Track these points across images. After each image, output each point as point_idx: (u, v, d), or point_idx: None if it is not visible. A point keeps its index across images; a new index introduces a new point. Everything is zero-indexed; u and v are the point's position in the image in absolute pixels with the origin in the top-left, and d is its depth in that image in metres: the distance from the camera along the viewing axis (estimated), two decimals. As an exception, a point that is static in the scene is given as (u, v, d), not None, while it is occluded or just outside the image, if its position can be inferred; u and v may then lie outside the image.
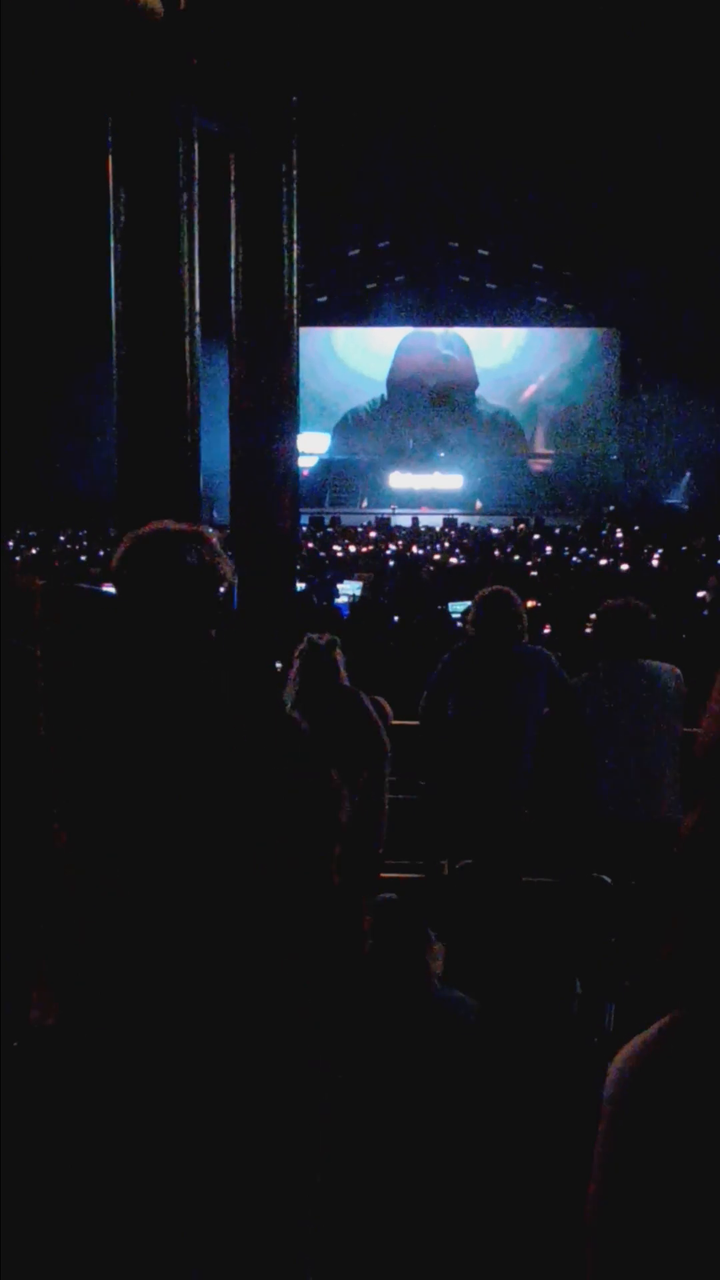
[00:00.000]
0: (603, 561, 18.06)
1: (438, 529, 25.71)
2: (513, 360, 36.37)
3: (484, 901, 5.01)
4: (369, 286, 34.62)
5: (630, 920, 4.62)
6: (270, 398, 10.25)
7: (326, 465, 35.49)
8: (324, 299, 33.17)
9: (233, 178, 10.15)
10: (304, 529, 20.63)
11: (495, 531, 24.84)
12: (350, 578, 14.34)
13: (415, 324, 35.85)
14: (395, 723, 5.80)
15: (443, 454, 35.69)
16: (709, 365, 28.89)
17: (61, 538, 22.66)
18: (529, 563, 17.55)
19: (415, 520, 26.44)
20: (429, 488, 34.71)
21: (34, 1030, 2.04)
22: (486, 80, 22.64)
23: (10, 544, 19.32)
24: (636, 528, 25.26)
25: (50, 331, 25.50)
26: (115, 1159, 1.89)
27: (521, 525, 25.97)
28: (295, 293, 10.36)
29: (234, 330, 10.34)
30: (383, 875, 4.96)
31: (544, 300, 34.72)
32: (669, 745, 4.97)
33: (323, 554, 19.00)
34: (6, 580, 2.30)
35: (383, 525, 26.53)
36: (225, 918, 1.90)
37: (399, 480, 35.11)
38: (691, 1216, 0.94)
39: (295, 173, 10.20)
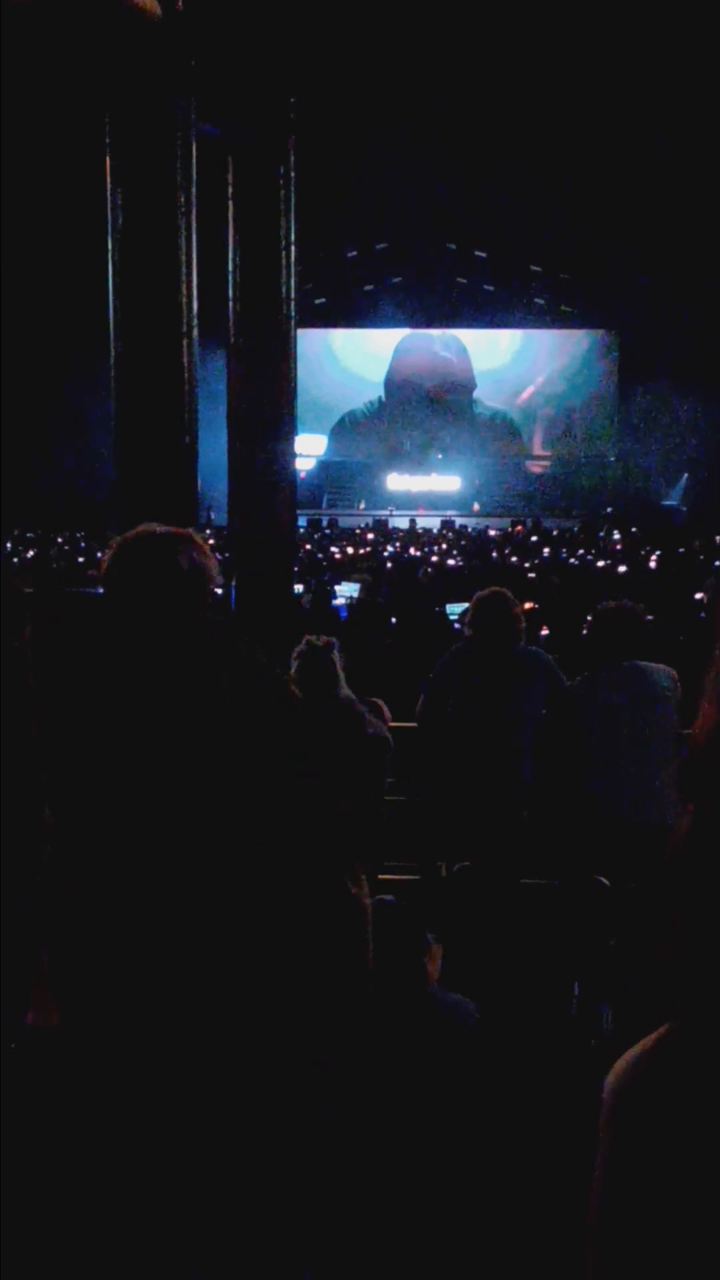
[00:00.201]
0: (600, 563, 18.05)
1: (435, 530, 25.70)
2: (511, 362, 36.38)
3: (482, 903, 5.01)
4: (367, 288, 34.61)
5: (628, 922, 4.62)
6: (268, 399, 10.25)
7: (324, 467, 35.48)
8: (322, 300, 33.17)
9: (231, 179, 10.16)
10: (301, 531, 20.62)
11: (493, 533, 24.84)
12: (348, 579, 14.34)
13: (413, 325, 35.84)
14: (393, 725, 5.80)
15: (440, 455, 35.68)
16: (706, 367, 28.90)
17: (59, 540, 22.64)
18: (527, 564, 17.55)
19: (413, 522, 26.44)
20: (426, 489, 34.70)
21: (34, 1030, 2.04)
22: (485, 82, 22.65)
23: (8, 546, 19.31)
24: (634, 529, 25.27)
25: (48, 333, 25.49)
26: (115, 1159, 1.89)
27: (519, 527, 25.97)
28: (293, 294, 10.37)
29: (232, 332, 10.34)
30: (381, 877, 4.95)
31: (541, 302, 34.72)
32: (666, 747, 4.97)
33: (320, 556, 18.99)
34: (6, 581, 2.31)
35: (380, 527, 26.52)
36: (225, 918, 1.89)
37: (396, 482, 35.10)
38: (690, 1227, 0.94)
39: (293, 174, 10.20)
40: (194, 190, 8.22)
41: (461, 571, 16.02)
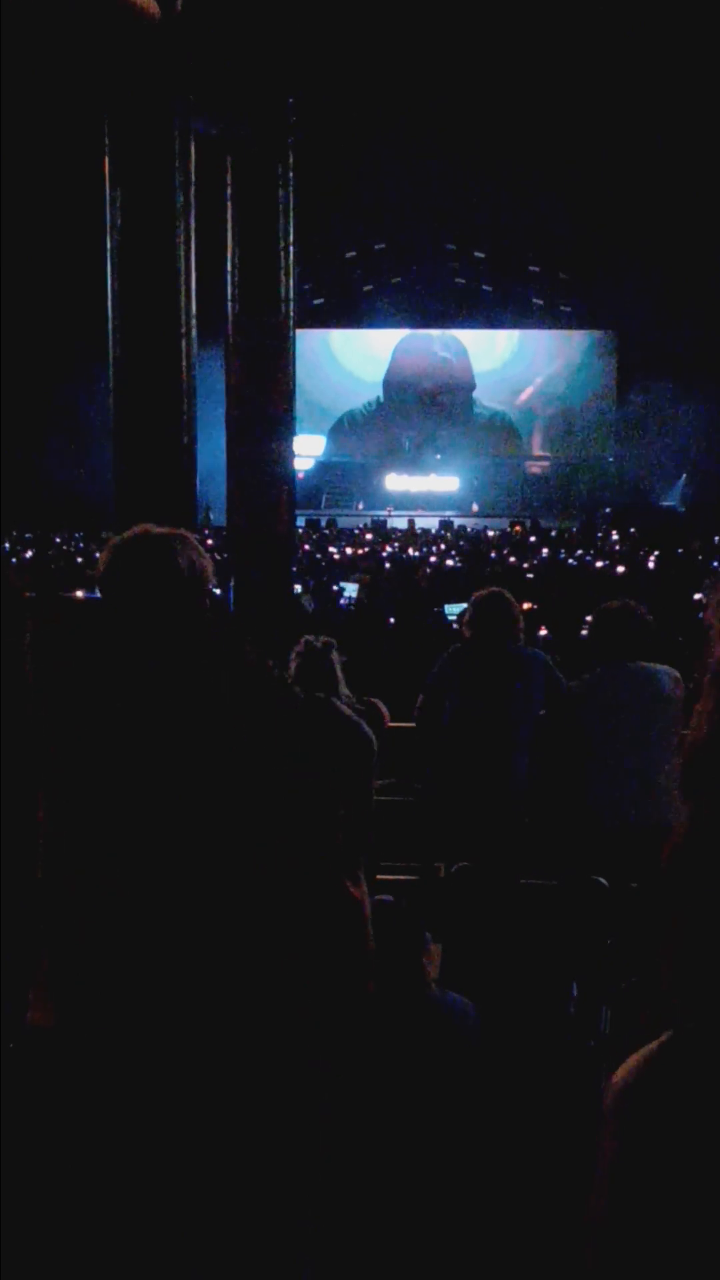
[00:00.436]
0: (599, 564, 18.05)
1: (434, 531, 25.70)
2: (509, 363, 36.35)
3: (480, 904, 5.01)
4: (366, 289, 34.60)
5: (628, 923, 4.62)
6: (267, 400, 10.26)
7: (322, 467, 35.45)
8: (320, 301, 33.16)
9: (229, 179, 10.16)
10: (300, 531, 20.62)
11: (491, 534, 24.84)
12: (347, 579, 14.34)
13: (412, 326, 35.81)
14: (391, 725, 5.80)
15: (439, 456, 35.66)
16: (705, 368, 28.90)
17: (58, 540, 22.63)
18: (525, 565, 17.55)
19: (411, 522, 26.44)
20: (425, 490, 34.68)
21: (33, 1031, 2.04)
22: (484, 83, 22.64)
23: (6, 546, 19.30)
24: (633, 530, 25.27)
25: (47, 333, 25.48)
26: (115, 1159, 1.89)
27: (518, 527, 25.96)
28: (292, 295, 10.37)
29: (231, 332, 10.35)
30: (379, 877, 4.95)
31: (540, 302, 34.70)
32: (668, 748, 4.96)
33: (319, 556, 18.99)
34: (6, 581, 2.31)
35: (379, 527, 26.51)
36: (224, 918, 1.90)
37: (395, 482, 35.08)
38: (692, 1233, 0.94)
39: (292, 174, 10.21)
40: (193, 190, 8.22)
41: (460, 572, 16.02)
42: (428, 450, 35.83)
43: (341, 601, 11.94)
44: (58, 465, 26.93)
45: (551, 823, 5.37)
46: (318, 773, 1.97)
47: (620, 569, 16.82)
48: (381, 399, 36.62)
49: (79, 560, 17.98)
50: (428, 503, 33.01)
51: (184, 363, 8.27)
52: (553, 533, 24.78)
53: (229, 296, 10.29)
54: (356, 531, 25.55)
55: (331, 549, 20.75)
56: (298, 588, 11.76)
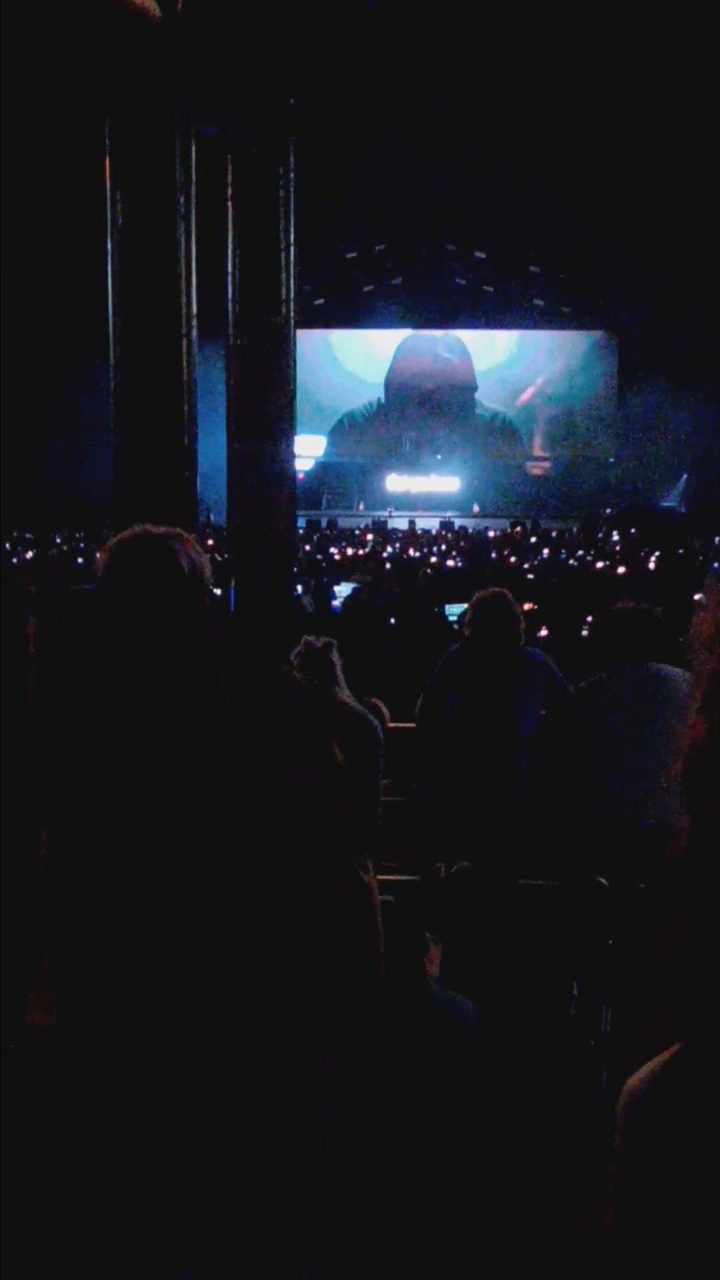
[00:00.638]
0: (600, 564, 18.05)
1: (434, 531, 25.70)
2: (510, 363, 36.35)
3: (481, 904, 5.01)
4: (366, 289, 34.59)
5: (629, 923, 4.62)
6: (267, 400, 10.26)
7: (323, 468, 35.45)
8: (321, 301, 33.16)
9: (230, 179, 10.16)
10: (300, 531, 20.62)
11: (492, 534, 24.84)
12: (348, 579, 14.34)
13: (412, 326, 35.81)
14: (392, 725, 5.80)
15: (439, 456, 35.66)
16: (705, 368, 28.89)
17: (58, 539, 22.63)
18: (526, 565, 17.55)
19: (412, 523, 26.43)
20: (426, 490, 34.68)
21: (32, 1031, 2.04)
22: (484, 83, 22.63)
23: (7, 545, 19.30)
24: (633, 530, 25.26)
25: (47, 333, 25.48)
26: (114, 1159, 1.89)
27: (518, 528, 25.97)
28: (292, 295, 10.37)
29: (231, 332, 10.35)
30: (380, 877, 4.95)
31: (541, 303, 34.69)
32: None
33: (320, 557, 18.99)
34: (6, 581, 2.30)
35: (379, 528, 26.51)
36: (224, 918, 1.90)
37: (396, 483, 35.08)
38: (706, 1242, 0.94)
39: (292, 175, 10.21)
40: (193, 191, 8.22)
41: (461, 572, 16.02)
42: (428, 451, 35.82)
43: (334, 604, 11.93)
44: (58, 465, 26.93)
45: (552, 823, 5.37)
46: (319, 772, 1.97)
47: (621, 569, 16.82)
48: (382, 399, 36.61)
49: (79, 561, 17.99)
50: (428, 503, 33.01)
51: (184, 363, 8.27)
52: (553, 533, 24.77)
53: (229, 297, 10.29)
54: (357, 532, 25.55)
55: (332, 549, 20.75)
56: (299, 588, 11.75)
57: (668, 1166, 0.96)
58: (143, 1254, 1.88)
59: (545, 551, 20.56)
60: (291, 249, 10.25)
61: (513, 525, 26.79)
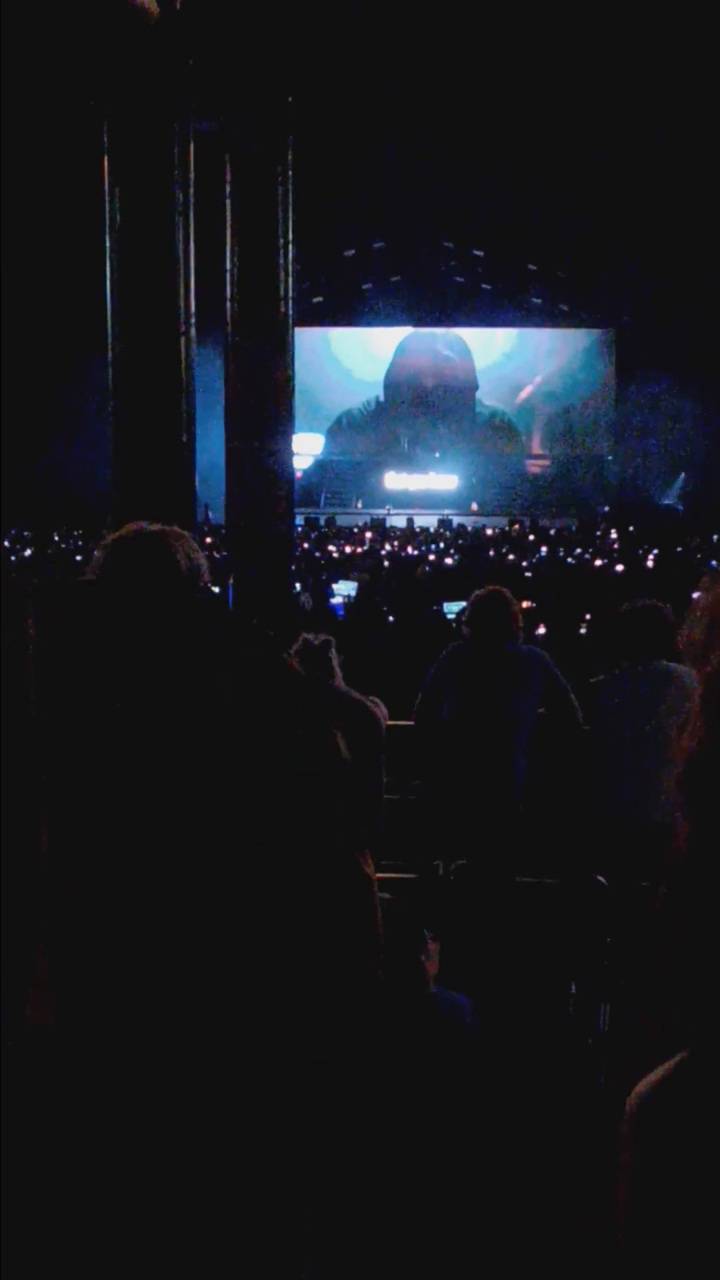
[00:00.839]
0: (598, 562, 18.05)
1: (433, 529, 25.69)
2: (508, 361, 36.34)
3: (479, 902, 5.01)
4: (364, 287, 34.57)
5: (629, 922, 4.62)
6: (265, 398, 10.26)
7: (321, 466, 35.42)
8: (319, 299, 33.13)
9: (229, 177, 10.15)
10: (299, 530, 20.63)
11: (490, 532, 24.83)
12: (346, 578, 14.34)
13: (411, 324, 35.78)
14: (390, 723, 5.80)
15: (437, 455, 35.64)
16: (704, 367, 28.89)
17: (56, 537, 22.62)
18: (524, 563, 17.55)
19: (410, 521, 26.42)
20: (424, 488, 34.65)
21: (32, 1030, 2.04)
22: (483, 81, 22.63)
23: (6, 544, 19.29)
24: (632, 528, 25.27)
25: (46, 331, 25.46)
26: (114, 1159, 1.89)
27: (516, 526, 25.97)
28: (291, 293, 10.37)
29: (229, 330, 10.34)
30: (378, 876, 4.95)
31: (539, 301, 34.68)
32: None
33: (318, 554, 18.99)
34: (6, 580, 2.30)
35: (378, 526, 26.50)
36: (224, 918, 1.89)
37: (394, 481, 35.04)
38: (716, 1251, 0.93)
39: (291, 173, 10.21)
40: (192, 189, 8.21)
41: (459, 570, 16.02)
42: (427, 449, 35.80)
43: (332, 602, 11.93)
44: (56, 464, 26.91)
45: (551, 821, 5.38)
46: (319, 772, 1.97)
47: (619, 567, 16.82)
48: (381, 398, 36.59)
49: (78, 559, 17.98)
50: (426, 501, 32.98)
51: (183, 361, 8.26)
52: (551, 531, 24.77)
53: (228, 295, 10.29)
54: (355, 530, 25.54)
55: (330, 547, 20.73)
56: (297, 586, 11.76)
57: (677, 1176, 0.96)
58: (143, 1254, 1.88)
59: (543, 549, 20.56)
60: (290, 247, 10.24)
61: (511, 523, 26.79)
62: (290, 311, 10.37)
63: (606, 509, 31.56)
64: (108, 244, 8.17)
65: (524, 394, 36.40)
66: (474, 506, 33.38)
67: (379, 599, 12.28)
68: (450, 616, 10.21)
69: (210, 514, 22.29)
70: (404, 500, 33.09)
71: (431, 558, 18.39)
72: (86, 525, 23.50)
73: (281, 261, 10.20)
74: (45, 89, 11.06)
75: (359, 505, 33.62)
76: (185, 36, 7.99)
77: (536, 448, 36.65)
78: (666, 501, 32.90)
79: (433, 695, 5.56)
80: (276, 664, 2.03)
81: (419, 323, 35.72)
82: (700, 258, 26.34)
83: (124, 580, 2.11)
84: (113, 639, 2.06)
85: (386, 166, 27.14)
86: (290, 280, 10.33)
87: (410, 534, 24.57)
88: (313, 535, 23.64)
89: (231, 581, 10.21)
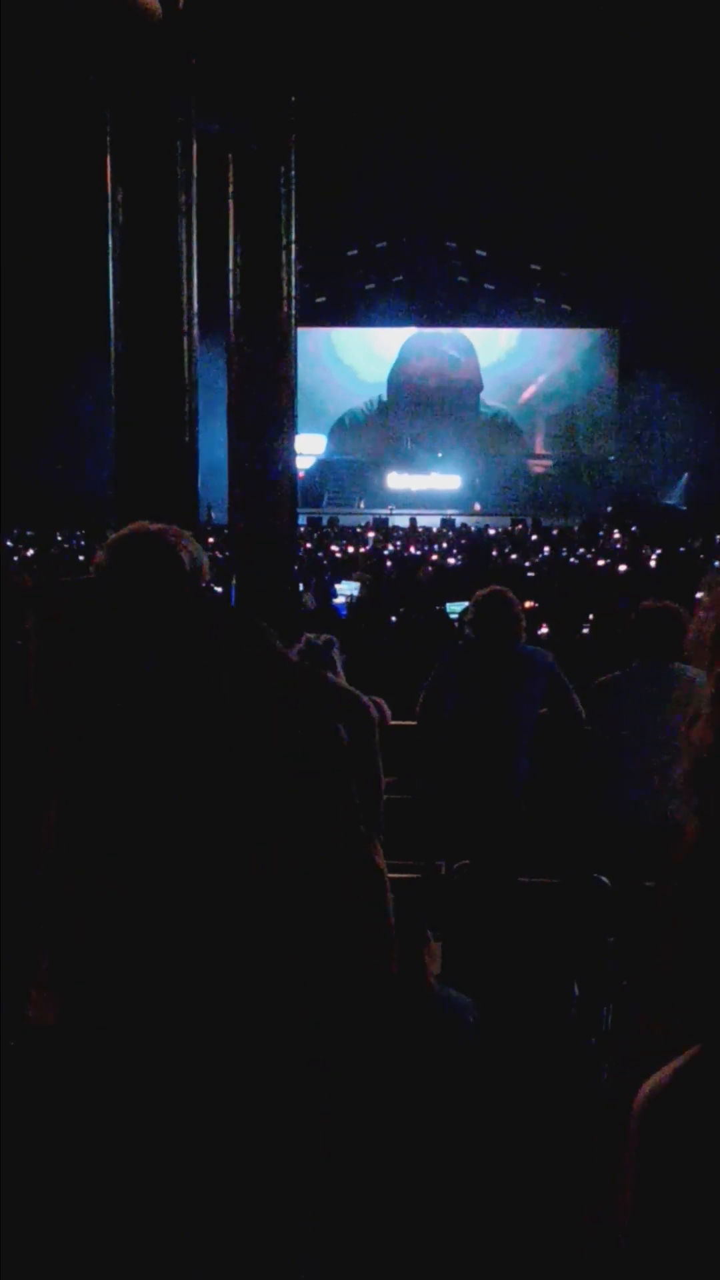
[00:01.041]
0: (601, 562, 18.04)
1: (435, 529, 25.68)
2: (511, 361, 36.32)
3: (482, 902, 5.01)
4: (367, 287, 34.57)
5: (631, 922, 4.62)
6: (268, 398, 10.25)
7: (323, 466, 35.42)
8: (322, 299, 33.13)
9: (231, 177, 10.15)
10: (301, 530, 20.60)
11: (492, 532, 24.82)
12: (349, 578, 14.34)
13: (414, 325, 35.77)
14: (393, 723, 5.80)
15: (440, 455, 35.63)
16: (707, 366, 28.89)
17: (59, 537, 22.62)
18: (527, 563, 17.54)
19: (413, 521, 26.41)
20: (427, 488, 34.64)
21: (33, 1029, 2.04)
22: (485, 81, 22.63)
23: (9, 544, 19.30)
24: (634, 528, 25.25)
25: (48, 331, 25.47)
26: (115, 1158, 1.89)
27: (520, 526, 25.96)
28: (293, 292, 10.36)
29: (232, 330, 10.34)
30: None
31: (542, 301, 34.67)
32: None
33: (320, 554, 18.98)
34: (6, 580, 2.29)
35: (381, 525, 26.49)
36: (225, 917, 1.89)
37: (397, 481, 35.03)
38: None
39: (293, 173, 10.20)
40: (194, 189, 8.21)
41: (462, 570, 16.01)
42: (429, 449, 35.78)
43: (335, 602, 11.93)
44: (58, 462, 26.91)
45: (553, 820, 5.38)
46: (320, 771, 1.97)
47: (622, 567, 16.81)
48: (384, 397, 36.58)
49: (81, 559, 17.99)
50: (429, 501, 32.97)
51: (185, 361, 8.26)
52: (554, 531, 24.75)
53: (230, 295, 10.28)
54: (358, 530, 25.52)
55: (333, 547, 20.73)
56: (300, 586, 11.75)
57: (685, 1173, 0.95)
58: (145, 1253, 1.88)
59: (546, 549, 20.54)
60: (292, 247, 10.24)
61: (514, 523, 26.78)
62: (293, 311, 10.37)
63: (609, 509, 31.54)
64: (110, 244, 8.17)
65: (527, 394, 36.39)
66: (476, 506, 33.36)
67: (382, 599, 12.29)
68: (453, 617, 10.21)
69: (213, 514, 22.27)
70: (406, 500, 33.08)
71: (434, 558, 18.39)
72: (88, 526, 23.50)
73: (284, 261, 10.19)
74: (47, 89, 11.07)
75: (361, 505, 33.62)
76: (188, 36, 7.99)
77: (539, 448, 36.63)
78: (669, 501, 32.89)
79: (435, 695, 5.56)
80: (276, 662, 2.03)
81: (421, 323, 35.72)
82: (703, 257, 26.33)
83: (128, 578, 2.11)
84: (113, 638, 2.06)
85: (389, 167, 27.16)
86: (293, 280, 10.33)
87: (413, 534, 24.55)
88: (315, 535, 23.63)
89: (234, 581, 10.21)
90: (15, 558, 17.51)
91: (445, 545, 21.68)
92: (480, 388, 36.33)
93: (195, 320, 8.36)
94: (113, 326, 8.27)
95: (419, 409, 36.23)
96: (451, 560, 17.98)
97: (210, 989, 1.89)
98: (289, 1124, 1.92)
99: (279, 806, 1.94)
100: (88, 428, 23.51)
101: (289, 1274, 1.92)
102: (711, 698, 1.05)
